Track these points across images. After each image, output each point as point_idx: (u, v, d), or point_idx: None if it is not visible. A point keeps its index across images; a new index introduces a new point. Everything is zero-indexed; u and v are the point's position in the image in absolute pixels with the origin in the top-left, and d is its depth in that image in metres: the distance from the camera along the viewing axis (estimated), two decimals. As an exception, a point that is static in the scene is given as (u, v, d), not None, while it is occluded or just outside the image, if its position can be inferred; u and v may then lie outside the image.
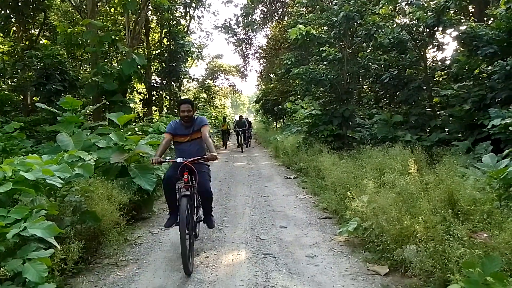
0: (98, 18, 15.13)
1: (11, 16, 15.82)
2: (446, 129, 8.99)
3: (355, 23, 10.11)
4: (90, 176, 4.36)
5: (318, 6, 13.41)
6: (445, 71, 10.78)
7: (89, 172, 4.06)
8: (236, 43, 28.03)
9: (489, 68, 8.56)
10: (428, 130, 9.36)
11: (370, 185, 4.70)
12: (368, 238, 4.20)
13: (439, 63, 11.00)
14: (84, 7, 16.48)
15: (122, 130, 7.10)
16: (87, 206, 4.31)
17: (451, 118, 9.18)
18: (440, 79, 11.29)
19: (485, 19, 12.18)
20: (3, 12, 15.90)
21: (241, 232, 5.26)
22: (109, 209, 4.44)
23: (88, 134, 6.52)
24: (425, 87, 9.76)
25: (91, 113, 11.74)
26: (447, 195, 4.18)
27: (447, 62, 10.52)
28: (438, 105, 10.12)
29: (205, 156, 4.27)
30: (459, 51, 9.79)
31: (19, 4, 14.73)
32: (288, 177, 9.65)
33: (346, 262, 4.05)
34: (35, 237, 3.03)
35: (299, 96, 15.21)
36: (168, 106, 22.99)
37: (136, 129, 10.62)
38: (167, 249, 4.66)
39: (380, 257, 3.95)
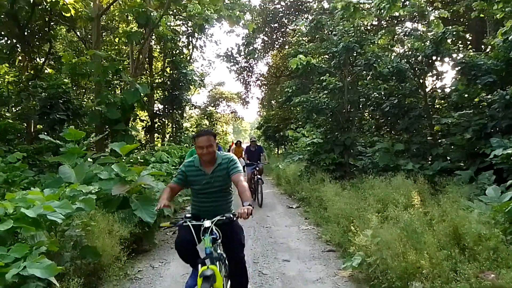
0: (103, 48, 15.47)
1: (17, 45, 16.19)
2: (448, 158, 8.97)
3: (355, 53, 10.28)
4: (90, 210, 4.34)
5: (318, 36, 13.68)
6: (445, 100, 10.87)
7: (90, 206, 4.04)
8: (237, 71, 28.48)
9: (489, 96, 8.63)
10: (430, 159, 9.34)
11: (374, 219, 4.65)
12: (372, 274, 4.11)
13: (439, 90, 11.12)
14: (89, 37, 16.88)
15: (124, 160, 7.13)
16: (88, 241, 4.27)
17: (452, 147, 9.18)
18: (440, 107, 11.37)
19: (483, 46, 12.39)
20: (9, 41, 16.29)
21: (243, 266, 5.16)
22: (109, 243, 4.39)
23: (90, 165, 6.53)
24: (425, 116, 9.81)
25: (94, 143, 11.80)
26: (452, 229, 4.13)
27: (447, 90, 10.64)
28: (439, 133, 10.15)
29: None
30: (458, 79, 9.91)
31: (25, 34, 15.09)
32: (291, 206, 9.57)
33: (350, 299, 3.96)
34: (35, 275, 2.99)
35: (300, 123, 15.31)
36: (170, 133, 23.13)
37: (138, 157, 10.66)
38: (168, 284, 4.57)
39: (385, 294, 3.86)
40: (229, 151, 16.57)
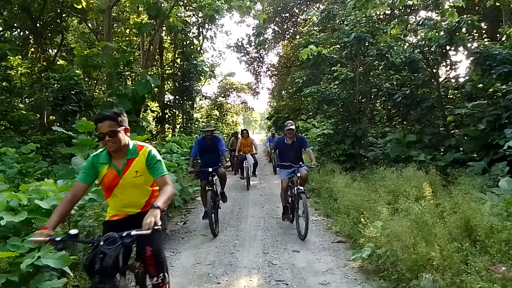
0: (114, 39, 15.52)
1: (30, 37, 16.38)
2: (461, 149, 8.86)
3: (367, 43, 10.15)
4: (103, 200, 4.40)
5: (329, 26, 13.51)
6: (459, 90, 10.68)
7: (101, 197, 4.10)
8: (248, 62, 28.32)
9: (504, 87, 8.46)
10: (442, 150, 9.23)
11: (384, 211, 4.63)
12: (382, 265, 4.11)
13: (452, 80, 10.92)
14: (101, 28, 16.96)
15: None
16: (100, 231, 4.32)
17: (465, 138, 9.05)
18: (454, 97, 11.18)
19: (498, 36, 12.11)
20: (22, 33, 16.48)
21: (253, 256, 5.20)
22: (121, 233, 4.45)
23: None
24: (438, 106, 9.67)
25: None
26: (463, 221, 4.09)
27: (461, 80, 10.45)
28: (452, 124, 10.00)
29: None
30: (472, 69, 9.71)
31: (38, 25, 15.23)
32: (301, 197, 9.56)
33: (360, 291, 3.96)
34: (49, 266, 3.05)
35: (311, 114, 15.22)
36: (180, 124, 23.23)
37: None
38: (179, 274, 4.63)
39: (395, 286, 3.85)
40: (229, 144, 13.90)
